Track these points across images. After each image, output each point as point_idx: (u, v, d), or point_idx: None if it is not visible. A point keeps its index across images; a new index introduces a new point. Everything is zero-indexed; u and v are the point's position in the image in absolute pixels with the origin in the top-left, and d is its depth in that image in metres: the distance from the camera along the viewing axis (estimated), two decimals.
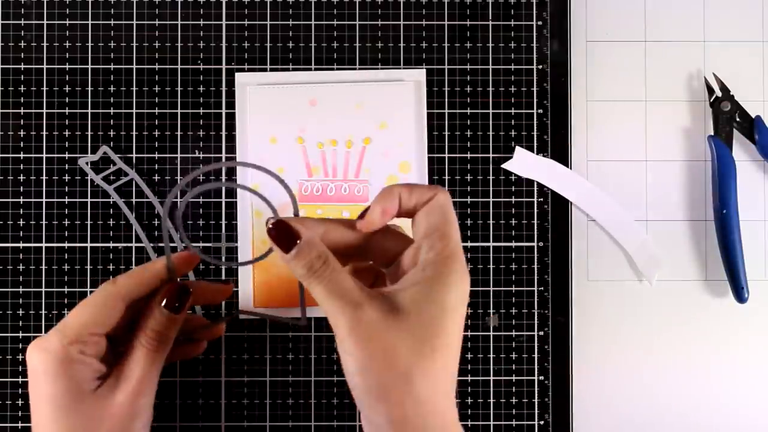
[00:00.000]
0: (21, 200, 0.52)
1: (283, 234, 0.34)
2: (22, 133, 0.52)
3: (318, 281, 0.33)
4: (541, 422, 0.52)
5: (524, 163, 0.50)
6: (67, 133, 0.52)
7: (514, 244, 0.53)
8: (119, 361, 0.39)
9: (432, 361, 0.32)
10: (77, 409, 0.37)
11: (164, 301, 0.39)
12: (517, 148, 0.46)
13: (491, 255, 0.52)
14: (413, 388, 0.32)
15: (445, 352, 0.33)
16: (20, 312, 0.52)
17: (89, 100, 0.52)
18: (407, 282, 0.34)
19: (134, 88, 0.52)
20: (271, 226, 0.34)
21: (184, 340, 0.46)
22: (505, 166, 0.48)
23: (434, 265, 0.34)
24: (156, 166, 0.52)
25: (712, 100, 0.53)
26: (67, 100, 0.52)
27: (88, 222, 0.52)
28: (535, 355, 0.52)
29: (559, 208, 0.53)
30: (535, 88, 0.53)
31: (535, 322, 0.52)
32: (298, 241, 0.33)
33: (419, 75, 0.53)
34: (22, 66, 0.52)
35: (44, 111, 0.52)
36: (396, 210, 0.36)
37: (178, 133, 0.52)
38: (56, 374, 0.36)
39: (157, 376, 0.40)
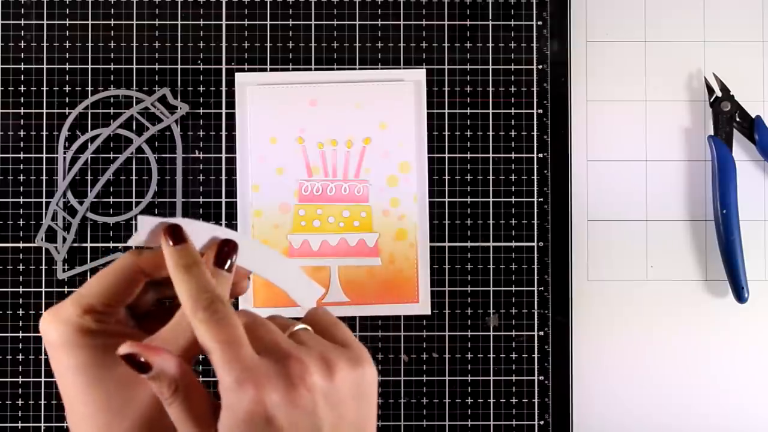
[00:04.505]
0: (21, 200, 0.52)
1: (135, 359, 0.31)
2: (22, 133, 0.52)
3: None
4: (541, 422, 0.52)
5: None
6: (67, 133, 0.52)
7: (514, 244, 0.53)
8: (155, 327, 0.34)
9: None
10: (108, 377, 0.33)
11: (212, 259, 0.33)
12: (139, 217, 0.34)
13: (491, 255, 0.52)
14: None
15: None
16: (20, 312, 0.52)
17: (89, 99, 0.52)
18: None
19: (134, 88, 0.52)
20: (121, 353, 0.30)
21: None
22: (130, 242, 0.35)
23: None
24: (156, 166, 0.52)
25: (712, 100, 0.53)
26: (67, 100, 0.52)
27: (88, 222, 0.52)
28: (535, 355, 0.52)
29: (559, 208, 0.53)
30: (535, 88, 0.53)
31: (535, 322, 0.52)
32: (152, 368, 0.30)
33: (419, 75, 0.53)
34: (22, 66, 0.52)
35: (44, 111, 0.52)
36: None
37: (178, 132, 0.52)
38: (76, 345, 0.33)
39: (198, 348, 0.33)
